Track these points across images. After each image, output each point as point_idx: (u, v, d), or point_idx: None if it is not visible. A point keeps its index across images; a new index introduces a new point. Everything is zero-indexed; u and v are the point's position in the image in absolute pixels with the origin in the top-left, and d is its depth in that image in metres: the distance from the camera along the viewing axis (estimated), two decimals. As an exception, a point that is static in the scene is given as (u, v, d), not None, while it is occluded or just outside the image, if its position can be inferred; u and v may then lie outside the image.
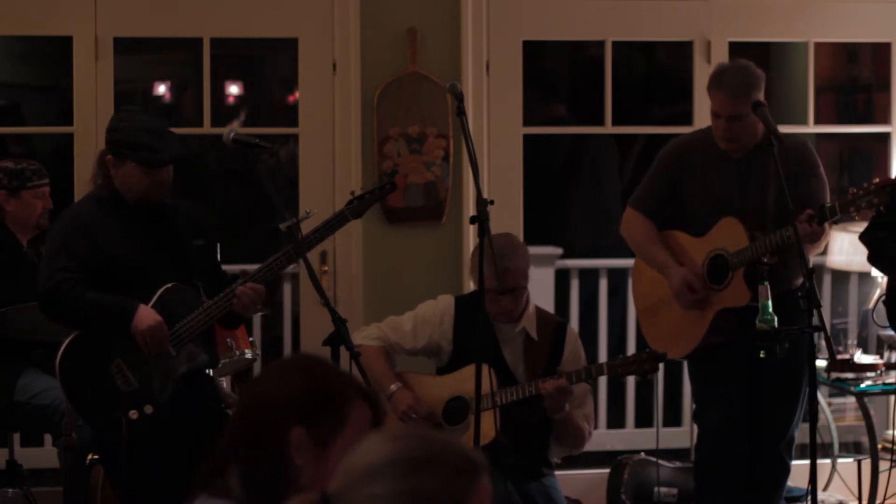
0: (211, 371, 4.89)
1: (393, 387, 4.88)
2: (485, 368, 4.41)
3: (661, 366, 4.70)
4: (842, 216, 4.66)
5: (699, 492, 5.18)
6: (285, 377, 2.38)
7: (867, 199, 4.57)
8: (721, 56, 5.98)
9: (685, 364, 5.55)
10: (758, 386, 4.98)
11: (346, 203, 4.56)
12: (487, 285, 4.64)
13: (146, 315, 4.45)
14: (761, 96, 4.84)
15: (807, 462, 4.53)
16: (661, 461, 5.82)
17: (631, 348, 6.83)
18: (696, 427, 5.33)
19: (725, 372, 4.99)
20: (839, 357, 5.88)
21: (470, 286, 5.85)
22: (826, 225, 4.73)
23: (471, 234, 5.75)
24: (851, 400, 6.31)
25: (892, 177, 4.88)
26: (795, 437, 5.10)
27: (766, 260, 4.71)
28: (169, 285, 4.54)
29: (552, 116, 7.79)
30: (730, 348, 4.93)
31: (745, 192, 4.93)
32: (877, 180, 4.59)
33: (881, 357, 5.98)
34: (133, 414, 4.43)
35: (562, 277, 6.97)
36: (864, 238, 5.02)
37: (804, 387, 5.03)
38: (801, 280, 4.98)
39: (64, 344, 4.49)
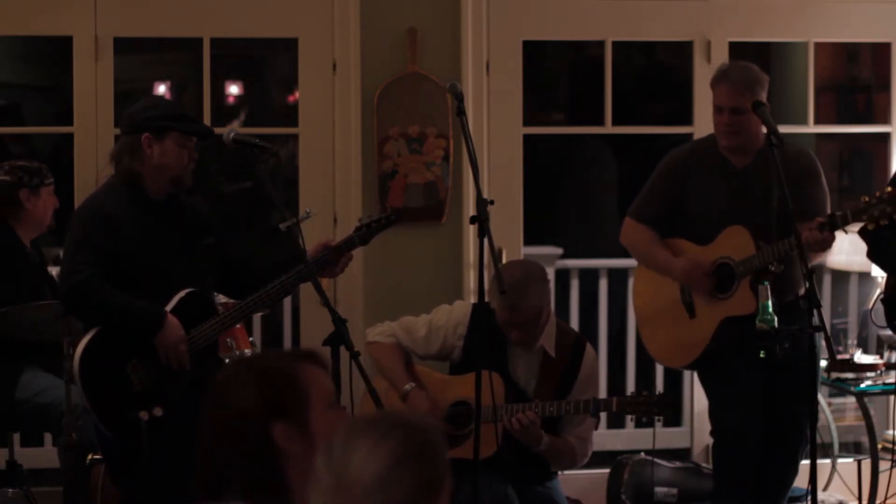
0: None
1: (407, 387, 4.88)
2: (493, 379, 4.41)
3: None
4: (853, 224, 4.60)
5: (717, 491, 5.12)
6: (242, 385, 2.40)
7: (880, 207, 4.49)
8: (721, 56, 5.98)
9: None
10: (773, 389, 4.93)
11: (354, 230, 4.64)
12: (498, 320, 4.72)
13: (174, 329, 4.42)
14: (764, 97, 4.84)
15: (807, 462, 4.52)
16: (661, 461, 5.81)
17: (631, 349, 6.83)
18: (694, 427, 5.28)
19: (739, 374, 4.91)
20: (839, 357, 5.87)
21: (471, 285, 5.86)
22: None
23: (471, 234, 5.74)
24: (851, 400, 6.31)
25: None
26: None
27: (772, 268, 4.69)
28: (187, 292, 4.50)
29: (550, 122, 7.81)
30: (742, 351, 4.85)
31: (749, 200, 4.88)
32: (889, 189, 4.50)
33: (881, 357, 5.98)
34: (143, 415, 4.41)
35: (562, 277, 6.97)
36: (864, 233, 4.99)
37: (819, 388, 5.00)
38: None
39: (82, 345, 4.45)
